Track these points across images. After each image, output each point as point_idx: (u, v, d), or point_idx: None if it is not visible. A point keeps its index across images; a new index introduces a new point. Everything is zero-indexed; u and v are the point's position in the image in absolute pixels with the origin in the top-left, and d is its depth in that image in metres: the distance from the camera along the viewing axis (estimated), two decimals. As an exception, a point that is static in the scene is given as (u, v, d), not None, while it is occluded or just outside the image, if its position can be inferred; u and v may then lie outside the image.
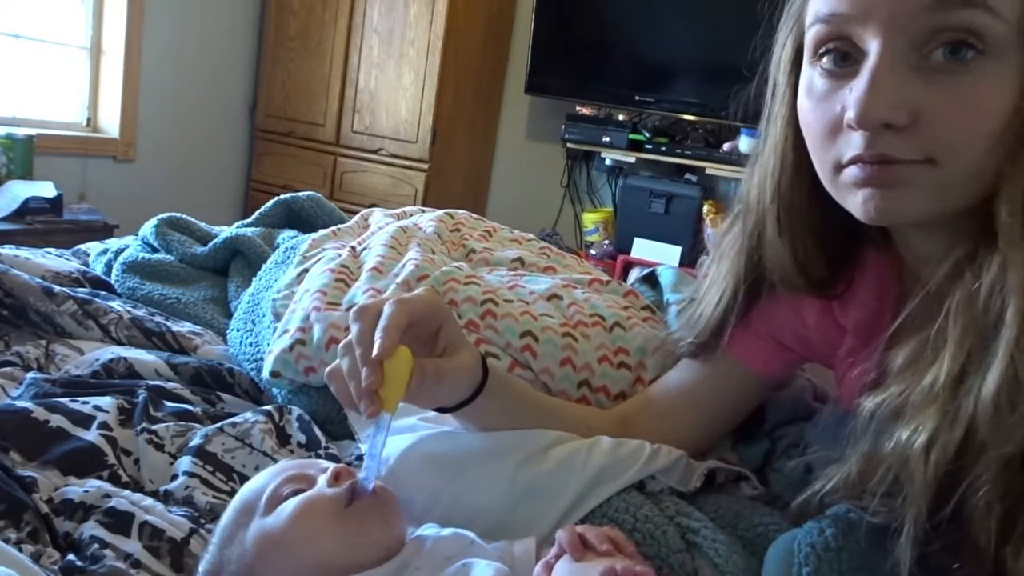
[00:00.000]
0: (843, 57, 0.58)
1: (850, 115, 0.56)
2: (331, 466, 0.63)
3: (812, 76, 0.61)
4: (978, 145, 0.54)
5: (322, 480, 0.61)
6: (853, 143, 0.57)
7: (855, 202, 0.59)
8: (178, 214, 1.40)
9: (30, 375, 0.88)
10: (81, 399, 0.82)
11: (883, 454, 0.56)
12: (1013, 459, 0.51)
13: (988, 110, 0.54)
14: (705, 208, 3.10)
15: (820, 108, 0.60)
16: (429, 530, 0.63)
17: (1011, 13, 0.52)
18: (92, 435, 0.77)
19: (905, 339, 0.60)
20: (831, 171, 0.60)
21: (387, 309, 0.60)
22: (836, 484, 0.59)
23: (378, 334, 0.59)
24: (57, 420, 0.77)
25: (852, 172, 0.58)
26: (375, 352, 0.57)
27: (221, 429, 0.81)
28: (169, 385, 0.93)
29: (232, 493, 0.74)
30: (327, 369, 0.63)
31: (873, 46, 0.55)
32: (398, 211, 1.33)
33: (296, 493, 0.60)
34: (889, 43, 0.54)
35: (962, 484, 0.52)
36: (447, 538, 0.61)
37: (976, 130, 0.54)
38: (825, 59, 0.59)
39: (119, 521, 0.66)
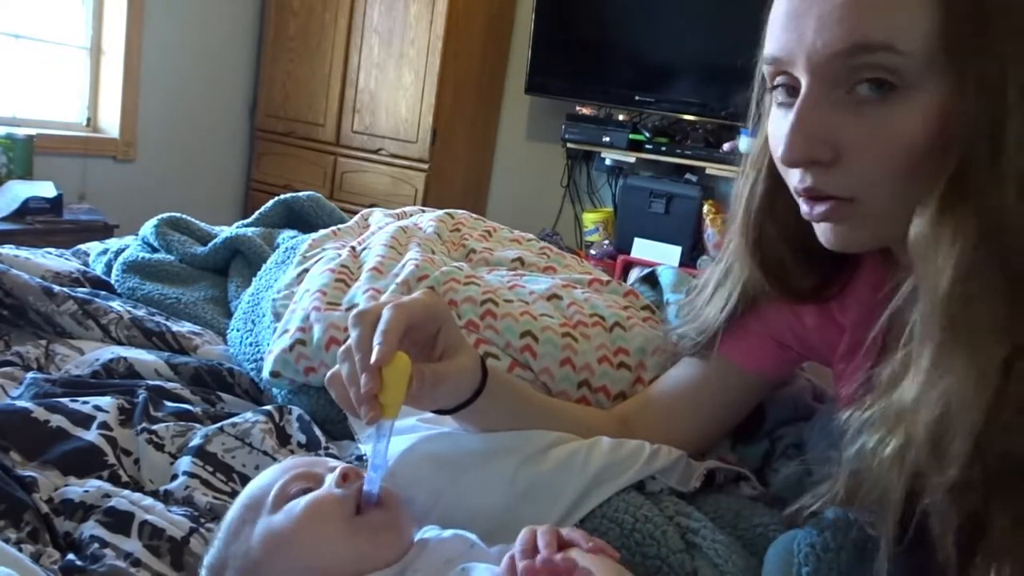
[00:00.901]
0: (790, 91, 0.60)
1: (776, 154, 0.59)
2: (339, 465, 0.63)
3: (773, 105, 0.64)
4: (893, 179, 0.56)
5: (330, 479, 0.61)
6: (792, 175, 0.61)
7: (816, 230, 0.63)
8: (178, 214, 1.40)
9: (30, 375, 0.88)
10: (81, 399, 0.82)
11: (864, 472, 0.57)
12: (955, 486, 0.51)
13: (903, 142, 0.55)
14: (705, 208, 3.10)
15: (774, 138, 0.62)
16: (430, 532, 0.63)
17: (917, 47, 0.53)
18: (92, 435, 0.77)
19: (892, 347, 0.60)
20: (796, 197, 0.63)
21: (385, 314, 0.60)
22: (824, 503, 0.60)
23: (376, 339, 0.59)
24: (57, 420, 0.77)
25: (803, 207, 0.62)
26: (373, 358, 0.57)
27: (221, 429, 0.81)
28: (169, 385, 0.93)
29: (232, 493, 0.74)
30: (327, 375, 0.63)
31: (803, 85, 0.57)
32: (398, 211, 1.33)
33: (304, 492, 0.60)
34: (814, 83, 0.57)
35: (918, 507, 0.53)
36: (448, 540, 0.61)
37: (891, 163, 0.56)
38: (778, 91, 0.62)
39: (119, 521, 0.66)
